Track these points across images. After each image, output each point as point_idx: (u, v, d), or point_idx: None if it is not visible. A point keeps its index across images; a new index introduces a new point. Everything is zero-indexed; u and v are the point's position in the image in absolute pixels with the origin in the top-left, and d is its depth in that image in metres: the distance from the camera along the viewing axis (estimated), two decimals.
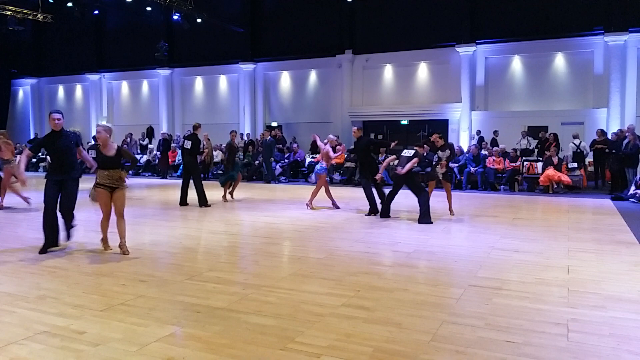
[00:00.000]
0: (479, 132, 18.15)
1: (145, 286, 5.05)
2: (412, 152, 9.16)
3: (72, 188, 6.59)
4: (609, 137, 14.98)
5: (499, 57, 18.93)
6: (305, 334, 3.80)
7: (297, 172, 18.29)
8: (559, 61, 18.09)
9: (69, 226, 6.87)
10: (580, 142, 15.15)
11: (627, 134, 13.51)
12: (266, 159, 17.25)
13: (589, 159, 15.54)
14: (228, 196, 12.11)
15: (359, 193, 13.29)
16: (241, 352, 3.51)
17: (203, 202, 10.97)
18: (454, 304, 4.50)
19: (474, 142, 17.41)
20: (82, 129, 25.77)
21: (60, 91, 28.21)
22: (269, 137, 17.58)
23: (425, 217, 8.85)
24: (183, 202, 11.15)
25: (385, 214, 9.45)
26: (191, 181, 11.12)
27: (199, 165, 11.10)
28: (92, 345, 3.60)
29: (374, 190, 10.01)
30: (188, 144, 11.17)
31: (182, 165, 12.38)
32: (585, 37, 17.40)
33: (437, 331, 3.85)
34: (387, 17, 20.16)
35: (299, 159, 18.30)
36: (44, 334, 3.82)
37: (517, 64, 18.74)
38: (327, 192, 10.58)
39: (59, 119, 6.49)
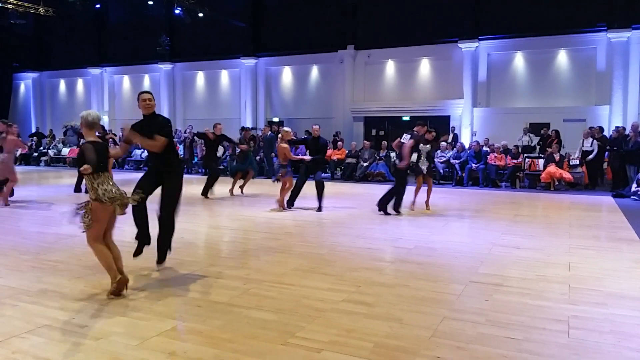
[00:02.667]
0: (453, 128, 18.52)
1: (146, 280, 5.06)
2: (409, 135, 9.03)
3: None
4: (610, 133, 14.92)
5: (501, 53, 18.87)
6: (306, 329, 3.81)
7: (298, 168, 18.23)
8: (562, 58, 18.04)
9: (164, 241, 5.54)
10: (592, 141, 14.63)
11: (629, 131, 13.47)
12: (267, 155, 17.28)
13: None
14: (237, 191, 12.13)
15: (360, 189, 13.29)
16: (242, 346, 3.51)
17: (205, 192, 11.34)
18: (454, 300, 4.50)
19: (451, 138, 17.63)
20: None
21: (62, 85, 28.19)
22: (270, 132, 17.63)
23: (383, 205, 9.07)
24: (230, 192, 11.95)
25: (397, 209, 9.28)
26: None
27: (217, 159, 12.19)
28: (93, 339, 3.61)
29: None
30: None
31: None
32: (588, 33, 17.33)
33: (437, 327, 3.85)
34: (390, 13, 20.08)
35: (300, 154, 18.27)
36: (46, 327, 3.82)
37: (519, 61, 18.68)
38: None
39: (150, 100, 5.42)
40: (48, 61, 27.91)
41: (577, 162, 14.23)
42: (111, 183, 4.45)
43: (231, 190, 12.08)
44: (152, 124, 5.32)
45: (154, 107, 5.43)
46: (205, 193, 11.46)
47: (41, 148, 23.64)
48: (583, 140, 14.44)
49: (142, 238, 5.54)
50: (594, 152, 14.04)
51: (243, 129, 12.60)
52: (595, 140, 14.19)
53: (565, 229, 7.95)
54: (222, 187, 12.33)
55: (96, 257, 4.52)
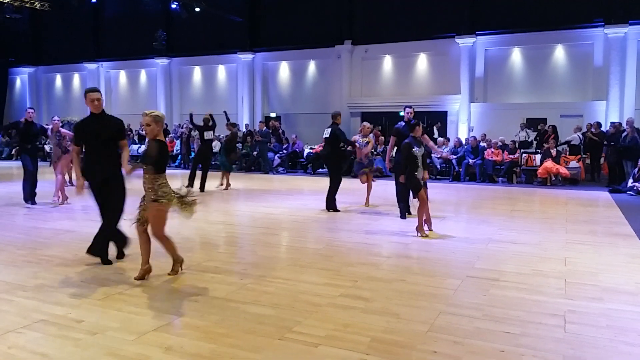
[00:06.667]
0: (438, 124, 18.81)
1: None
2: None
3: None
4: (607, 129, 14.96)
5: (498, 48, 18.84)
6: (303, 324, 3.81)
7: (295, 163, 18.29)
8: (559, 53, 18.03)
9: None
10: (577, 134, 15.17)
11: (625, 127, 13.51)
12: (262, 150, 17.30)
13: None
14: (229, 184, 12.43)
15: (357, 184, 13.28)
16: (239, 341, 3.51)
17: (202, 188, 11.66)
18: (451, 295, 4.51)
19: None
20: (80, 118, 25.68)
21: (58, 80, 28.04)
22: (265, 128, 17.67)
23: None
24: (191, 184, 11.75)
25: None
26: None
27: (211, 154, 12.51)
28: (90, 334, 3.60)
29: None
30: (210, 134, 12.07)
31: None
32: (585, 29, 17.31)
33: (434, 322, 3.86)
34: (387, 8, 20.02)
35: (297, 149, 18.29)
36: (42, 322, 3.82)
37: (516, 56, 18.66)
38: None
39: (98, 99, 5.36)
40: (44, 56, 27.75)
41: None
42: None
43: (228, 185, 12.31)
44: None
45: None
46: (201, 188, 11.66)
47: (38, 143, 23.54)
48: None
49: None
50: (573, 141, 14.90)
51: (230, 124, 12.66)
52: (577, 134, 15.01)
53: (562, 224, 7.97)
54: (216, 182, 12.34)
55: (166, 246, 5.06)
